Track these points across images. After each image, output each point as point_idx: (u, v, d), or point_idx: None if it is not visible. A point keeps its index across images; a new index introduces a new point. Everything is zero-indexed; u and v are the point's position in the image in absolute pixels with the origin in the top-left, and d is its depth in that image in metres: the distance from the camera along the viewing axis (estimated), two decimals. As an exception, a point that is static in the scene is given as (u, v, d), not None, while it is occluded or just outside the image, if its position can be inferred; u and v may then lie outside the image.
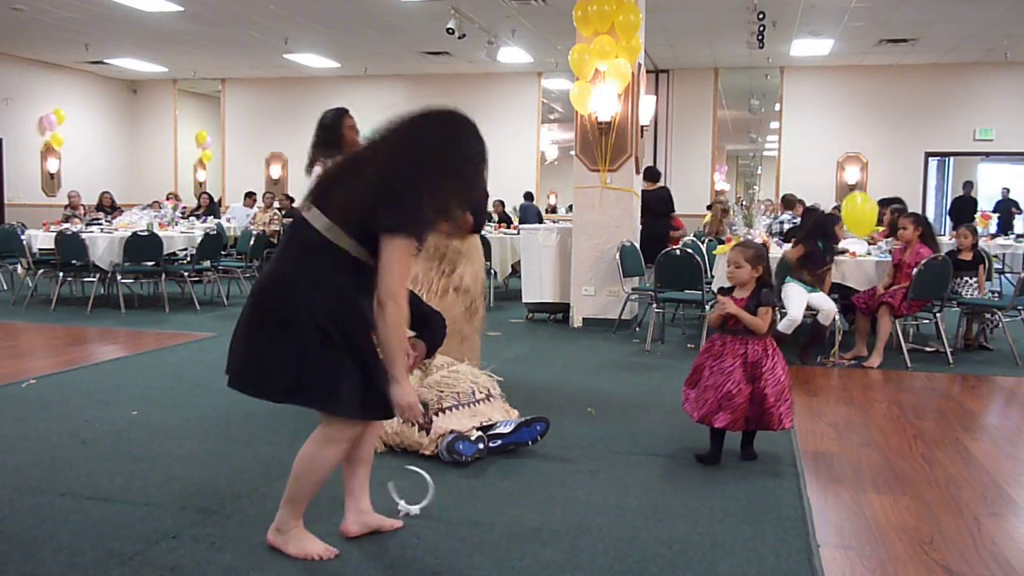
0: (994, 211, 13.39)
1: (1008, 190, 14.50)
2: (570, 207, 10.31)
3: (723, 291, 3.74)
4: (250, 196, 13.62)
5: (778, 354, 3.59)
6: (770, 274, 3.69)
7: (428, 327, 4.21)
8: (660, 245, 7.85)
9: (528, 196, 13.55)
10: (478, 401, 3.81)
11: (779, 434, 4.14)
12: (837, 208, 10.56)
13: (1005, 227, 13.06)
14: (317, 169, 5.13)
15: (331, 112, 5.09)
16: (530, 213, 12.74)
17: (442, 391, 3.79)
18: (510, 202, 13.58)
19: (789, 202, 9.77)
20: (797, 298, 5.80)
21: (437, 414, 3.64)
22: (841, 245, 7.11)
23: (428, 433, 3.60)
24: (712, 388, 3.53)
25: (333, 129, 5.11)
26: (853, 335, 6.64)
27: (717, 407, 3.50)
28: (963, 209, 13.16)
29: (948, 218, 13.79)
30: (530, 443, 3.72)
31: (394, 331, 2.38)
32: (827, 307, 5.89)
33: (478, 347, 4.88)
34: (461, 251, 4.68)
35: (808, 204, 11.34)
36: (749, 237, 7.43)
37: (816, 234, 5.96)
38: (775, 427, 3.53)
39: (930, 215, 14.31)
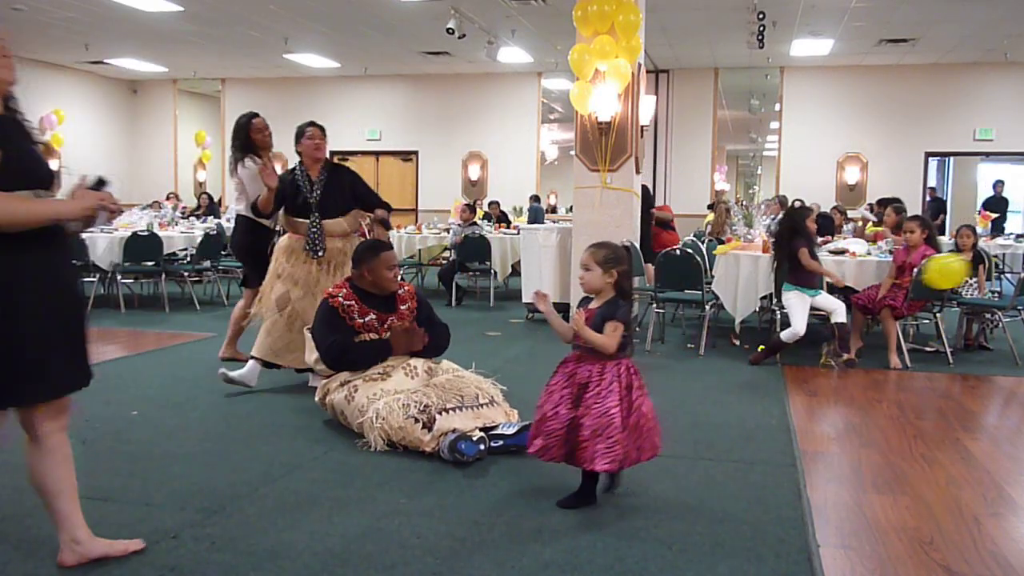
0: (985, 208, 13.20)
1: (1002, 183, 14.11)
2: (570, 207, 10.31)
3: (583, 301, 3.26)
4: None
5: (619, 383, 3.01)
6: (630, 280, 3.18)
7: (434, 327, 4.25)
8: (646, 242, 7.87)
9: (535, 199, 13.54)
10: (482, 405, 3.82)
11: (779, 434, 4.15)
12: (836, 208, 10.59)
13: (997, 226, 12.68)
14: (240, 171, 5.37)
15: (242, 116, 5.55)
16: (540, 214, 12.73)
17: (446, 393, 3.79)
18: (510, 202, 13.59)
19: (783, 203, 9.78)
20: (799, 307, 5.76)
21: (440, 413, 3.64)
22: (841, 245, 7.13)
23: (430, 431, 3.60)
24: (538, 408, 3.12)
25: (241, 133, 5.51)
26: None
27: (536, 430, 3.08)
28: (995, 209, 12.85)
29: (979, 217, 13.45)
30: (531, 445, 3.72)
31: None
32: (836, 306, 5.87)
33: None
34: (348, 253, 4.65)
35: (791, 204, 11.36)
36: (749, 237, 7.44)
37: (790, 234, 5.88)
38: (585, 464, 2.95)
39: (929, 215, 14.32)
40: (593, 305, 3.13)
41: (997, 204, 13.49)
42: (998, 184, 13.89)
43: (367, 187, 5.11)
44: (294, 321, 4.72)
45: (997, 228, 12.19)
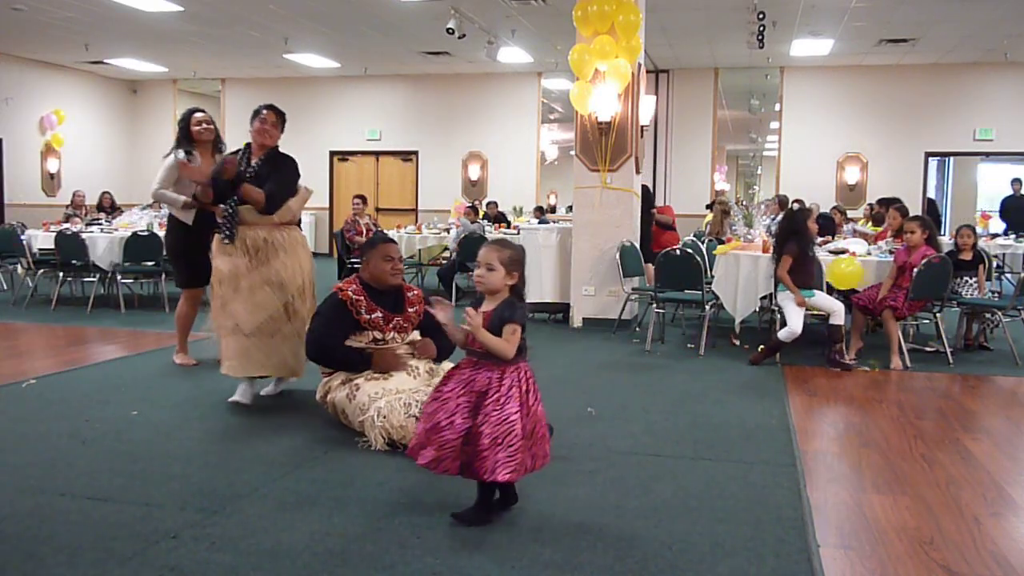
0: (1002, 207, 12.57)
1: (1019, 181, 12.92)
2: (570, 207, 10.30)
3: (477, 300, 3.04)
4: None
5: (519, 388, 2.85)
6: (524, 282, 3.00)
7: (439, 333, 4.22)
8: (646, 242, 7.88)
9: (539, 210, 13.23)
10: None
11: (779, 434, 4.15)
12: (836, 208, 10.59)
13: (1018, 227, 11.71)
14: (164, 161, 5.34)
15: (185, 111, 5.49)
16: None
17: None
18: (510, 202, 13.58)
19: (782, 203, 9.79)
20: (794, 306, 5.80)
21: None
22: (841, 245, 7.12)
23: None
24: (426, 416, 2.92)
25: (183, 124, 5.43)
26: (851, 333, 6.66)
27: (425, 439, 2.86)
28: (1015, 208, 12.26)
29: (1000, 219, 12.79)
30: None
31: None
32: (834, 307, 5.89)
33: (301, 354, 4.47)
34: (278, 244, 4.52)
35: (791, 205, 11.36)
36: (749, 237, 7.44)
37: (790, 234, 5.89)
38: (485, 476, 2.77)
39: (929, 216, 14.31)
40: (487, 307, 2.92)
41: (1017, 204, 12.47)
42: (1015, 183, 12.99)
43: (282, 180, 4.61)
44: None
45: (1018, 227, 11.38)
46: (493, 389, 2.82)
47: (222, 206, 4.50)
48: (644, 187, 9.69)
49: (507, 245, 2.97)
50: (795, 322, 5.73)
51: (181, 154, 5.04)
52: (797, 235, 5.86)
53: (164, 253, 8.28)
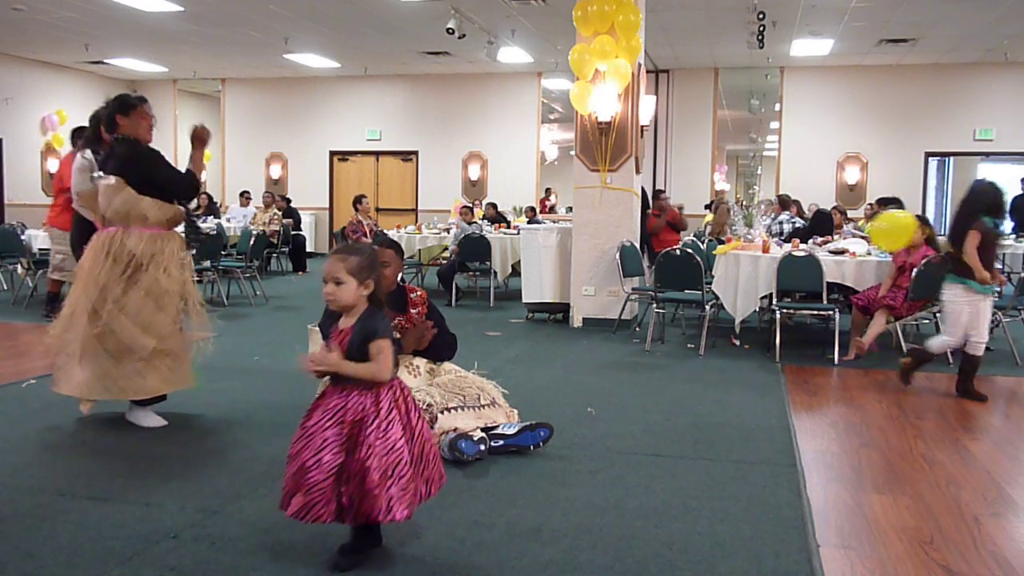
0: (1012, 207, 12.41)
1: None
2: (570, 207, 10.32)
3: (328, 318, 2.69)
4: (244, 195, 13.63)
5: (399, 409, 2.54)
6: (383, 286, 2.67)
7: (443, 335, 4.20)
8: (644, 242, 7.91)
9: (532, 210, 13.21)
10: (483, 405, 3.82)
11: (779, 434, 4.15)
12: (836, 208, 10.59)
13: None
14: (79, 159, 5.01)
15: (117, 102, 4.60)
16: None
17: (448, 392, 3.79)
18: (511, 202, 13.57)
19: (785, 202, 9.78)
20: (965, 309, 4.94)
21: (442, 412, 3.65)
22: (841, 245, 7.12)
23: (432, 430, 3.60)
24: (291, 457, 2.53)
25: (100, 124, 4.82)
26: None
27: (294, 485, 2.49)
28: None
29: (1008, 217, 12.58)
30: (532, 448, 3.72)
31: None
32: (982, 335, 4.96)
33: (187, 370, 4.18)
34: (154, 250, 4.06)
35: (807, 205, 11.39)
36: (749, 237, 7.44)
37: (980, 208, 4.92)
38: (380, 517, 2.43)
39: (929, 215, 14.27)
40: (345, 324, 2.57)
41: None
42: None
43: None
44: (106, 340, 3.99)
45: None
46: (371, 416, 2.48)
47: (188, 208, 4.31)
48: (642, 188, 9.78)
49: (353, 251, 2.59)
50: (956, 331, 4.97)
51: (89, 154, 4.72)
52: (992, 210, 4.96)
53: (227, 251, 8.19)
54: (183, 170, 4.26)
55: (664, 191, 10.66)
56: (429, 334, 4.12)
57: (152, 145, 4.23)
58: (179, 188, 4.19)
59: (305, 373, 2.55)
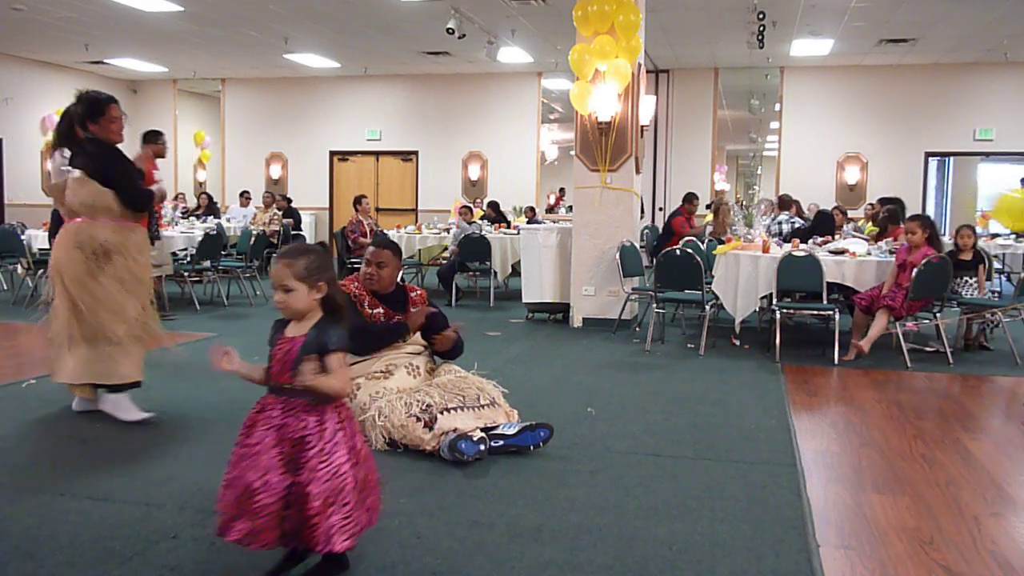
0: None
1: None
2: (570, 207, 10.32)
3: (278, 324, 2.44)
4: (244, 195, 13.64)
5: (344, 429, 2.35)
6: (340, 289, 2.48)
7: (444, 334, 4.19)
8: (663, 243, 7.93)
9: (531, 210, 13.22)
10: (483, 405, 3.82)
11: (779, 434, 4.15)
12: (837, 208, 10.59)
13: None
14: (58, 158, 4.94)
15: (86, 103, 4.57)
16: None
17: (448, 392, 3.80)
18: (511, 202, 13.57)
19: (786, 202, 9.79)
20: None
21: (442, 412, 3.65)
22: (841, 245, 7.13)
23: (431, 430, 3.60)
24: (232, 479, 2.34)
25: (73, 122, 4.81)
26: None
27: (236, 509, 2.29)
28: None
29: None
30: (532, 448, 3.72)
31: None
32: None
33: (137, 364, 4.20)
34: (122, 240, 4.15)
35: (807, 205, 11.39)
36: (749, 237, 7.44)
37: None
38: (319, 546, 2.27)
39: (929, 215, 14.26)
40: (294, 332, 2.36)
41: None
42: None
43: None
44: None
45: None
46: (313, 436, 2.28)
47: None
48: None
49: (300, 253, 2.38)
50: None
51: (67, 152, 4.74)
52: None
53: (228, 251, 8.15)
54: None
55: (696, 196, 10.70)
56: (424, 312, 4.12)
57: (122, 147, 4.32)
58: (131, 199, 4.21)
59: (228, 374, 2.32)
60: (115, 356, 4.11)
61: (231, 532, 2.28)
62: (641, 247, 8.31)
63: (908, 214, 7.40)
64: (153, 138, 7.34)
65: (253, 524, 2.26)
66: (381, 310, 4.07)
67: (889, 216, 7.86)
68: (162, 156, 7.02)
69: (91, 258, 4.07)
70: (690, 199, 10.45)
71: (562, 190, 15.46)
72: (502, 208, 12.88)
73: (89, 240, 4.08)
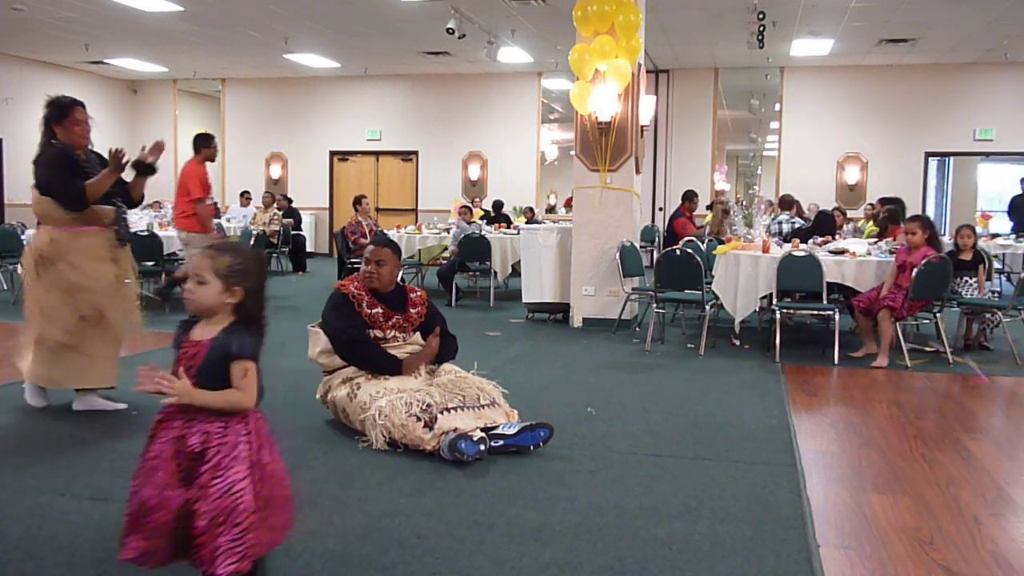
0: (1011, 207, 12.09)
1: None
2: (568, 199, 10.31)
3: (184, 325, 2.27)
4: (244, 196, 13.62)
5: (250, 443, 2.16)
6: (261, 302, 2.27)
7: (443, 337, 4.21)
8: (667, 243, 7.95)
9: (530, 210, 13.20)
10: (483, 405, 3.82)
11: (779, 434, 4.15)
12: (837, 209, 10.59)
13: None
14: None
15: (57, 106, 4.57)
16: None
17: (448, 392, 3.80)
18: (511, 202, 13.57)
19: (787, 202, 9.78)
20: None
21: (442, 412, 3.65)
22: (841, 245, 7.13)
23: (431, 430, 3.60)
24: (132, 493, 2.16)
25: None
26: (855, 335, 6.66)
27: (132, 526, 2.13)
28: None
29: (1008, 217, 12.11)
30: (532, 448, 3.72)
31: None
32: None
33: (106, 368, 4.33)
34: (64, 247, 4.17)
35: (807, 205, 11.39)
36: (749, 237, 7.44)
37: None
38: (203, 568, 2.06)
39: (929, 215, 14.25)
40: (203, 334, 2.20)
41: None
42: None
43: None
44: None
45: None
46: (212, 450, 2.09)
47: (114, 205, 4.28)
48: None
49: (227, 250, 2.23)
50: None
51: None
52: None
53: None
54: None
55: (696, 193, 10.72)
56: (436, 343, 4.12)
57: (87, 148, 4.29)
58: (61, 197, 4.17)
59: (146, 392, 2.09)
60: (48, 360, 4.24)
61: (125, 550, 2.11)
62: (642, 247, 8.31)
63: (908, 214, 7.41)
64: (204, 142, 7.35)
65: (149, 543, 2.09)
66: (380, 310, 4.07)
67: (890, 216, 7.86)
68: (212, 160, 7.04)
69: (36, 265, 4.21)
70: (690, 197, 10.45)
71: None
72: (504, 209, 12.89)
73: (34, 248, 4.24)
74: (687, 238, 8.72)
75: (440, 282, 9.63)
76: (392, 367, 4.00)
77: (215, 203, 12.89)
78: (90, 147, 4.38)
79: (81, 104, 4.26)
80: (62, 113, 4.17)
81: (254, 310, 2.25)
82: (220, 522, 2.05)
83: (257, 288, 2.24)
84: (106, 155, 4.13)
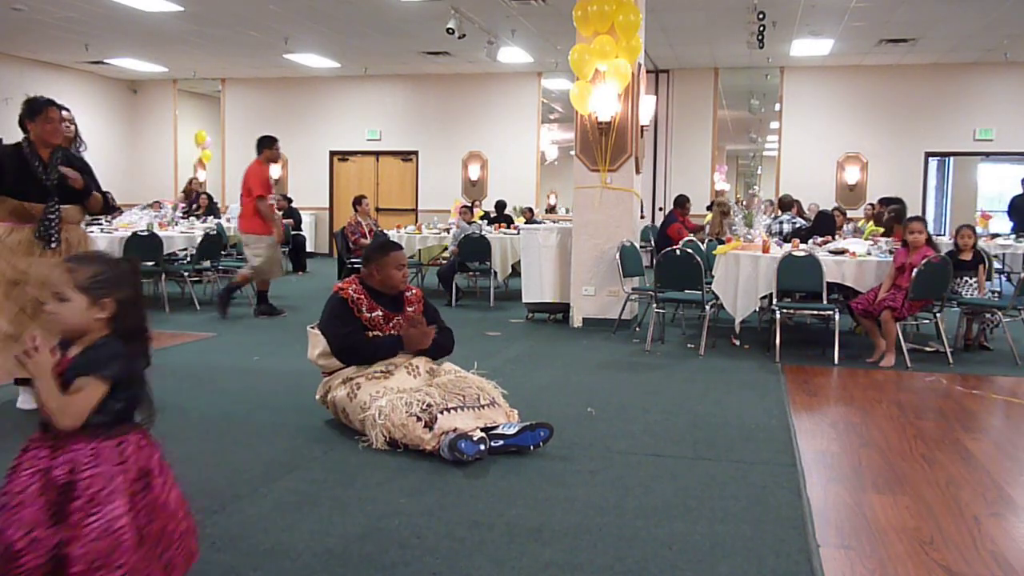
0: (1011, 206, 11.89)
1: None
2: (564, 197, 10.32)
3: (66, 343, 1.97)
4: None
5: (126, 472, 1.92)
6: (138, 313, 2.01)
7: (440, 331, 4.23)
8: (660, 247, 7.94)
9: (530, 211, 13.22)
10: (483, 405, 3.82)
11: (779, 434, 4.15)
12: (837, 209, 10.59)
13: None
14: None
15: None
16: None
17: (448, 392, 3.80)
18: (511, 202, 13.57)
19: (786, 203, 9.79)
20: None
21: (442, 412, 3.65)
22: (841, 245, 7.13)
23: (431, 430, 3.60)
24: None
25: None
26: (856, 336, 6.66)
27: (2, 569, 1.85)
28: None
29: (1008, 217, 11.92)
30: (532, 448, 3.72)
31: None
32: None
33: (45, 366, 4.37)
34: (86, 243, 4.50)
35: (807, 205, 11.39)
36: (749, 237, 7.44)
37: None
38: None
39: (929, 215, 14.27)
40: (73, 352, 1.95)
41: None
42: None
43: (93, 178, 4.62)
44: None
45: None
46: (81, 483, 1.84)
47: (44, 208, 4.29)
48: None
49: (90, 261, 2.00)
50: None
51: None
52: None
53: (227, 251, 8.01)
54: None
55: (688, 199, 10.75)
56: (431, 333, 4.14)
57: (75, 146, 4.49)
58: None
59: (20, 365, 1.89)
60: (8, 349, 4.22)
61: None
62: (642, 247, 8.32)
63: (908, 214, 7.40)
64: (268, 143, 7.43)
65: None
66: (380, 313, 4.09)
67: (896, 215, 7.87)
68: (275, 161, 7.06)
69: None
70: (682, 203, 10.47)
71: None
72: (507, 209, 12.88)
73: None
74: (687, 238, 8.73)
75: (440, 282, 9.63)
76: (395, 346, 4.04)
77: (284, 198, 12.88)
78: (78, 147, 4.54)
79: (57, 105, 4.33)
80: (34, 111, 4.26)
81: (132, 322, 1.99)
82: (98, 566, 1.82)
83: (131, 297, 1.99)
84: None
